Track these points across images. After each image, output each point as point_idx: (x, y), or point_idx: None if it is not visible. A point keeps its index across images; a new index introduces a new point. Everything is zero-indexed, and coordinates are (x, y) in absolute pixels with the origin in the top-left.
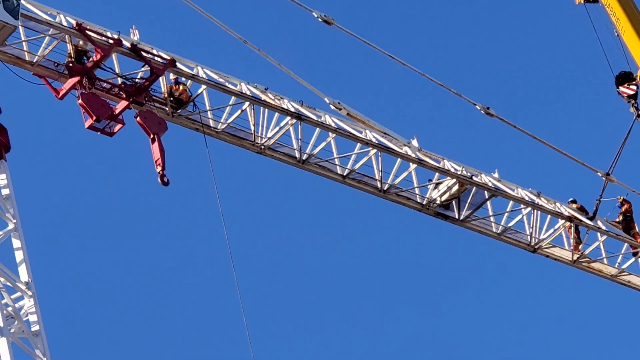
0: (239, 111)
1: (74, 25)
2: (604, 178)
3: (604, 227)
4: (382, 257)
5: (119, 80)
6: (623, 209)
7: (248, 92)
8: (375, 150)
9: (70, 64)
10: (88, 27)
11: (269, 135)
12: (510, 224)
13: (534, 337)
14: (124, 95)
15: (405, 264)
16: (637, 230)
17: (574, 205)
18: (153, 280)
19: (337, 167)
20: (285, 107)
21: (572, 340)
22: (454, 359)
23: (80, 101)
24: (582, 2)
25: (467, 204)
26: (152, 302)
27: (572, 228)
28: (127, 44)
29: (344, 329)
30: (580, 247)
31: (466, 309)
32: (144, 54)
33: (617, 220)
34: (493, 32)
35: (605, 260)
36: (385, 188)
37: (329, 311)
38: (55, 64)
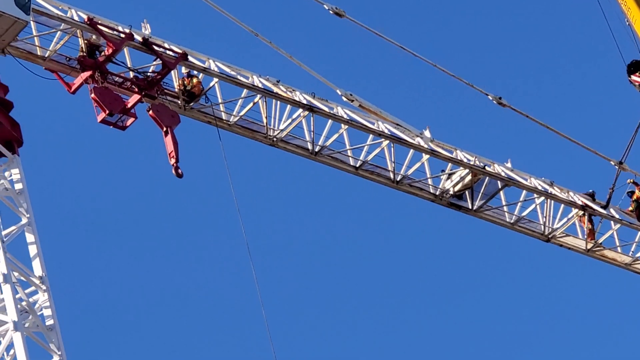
0: (251, 104)
1: (86, 20)
2: (616, 167)
3: (617, 216)
4: (396, 247)
5: (131, 74)
6: (635, 196)
7: (260, 85)
8: (387, 142)
9: (82, 59)
10: (99, 22)
11: (282, 127)
12: (524, 214)
13: (548, 326)
14: (136, 89)
15: (418, 255)
16: None
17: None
18: (167, 274)
19: (350, 158)
20: (297, 99)
21: (586, 329)
22: (467, 348)
23: (92, 95)
24: None
25: (480, 194)
26: (166, 297)
27: (586, 217)
28: (138, 38)
29: (358, 319)
30: (594, 236)
31: (480, 299)
32: (156, 47)
33: (630, 208)
34: (505, 22)
35: (619, 249)
36: (398, 179)
37: (343, 302)
38: (67, 59)
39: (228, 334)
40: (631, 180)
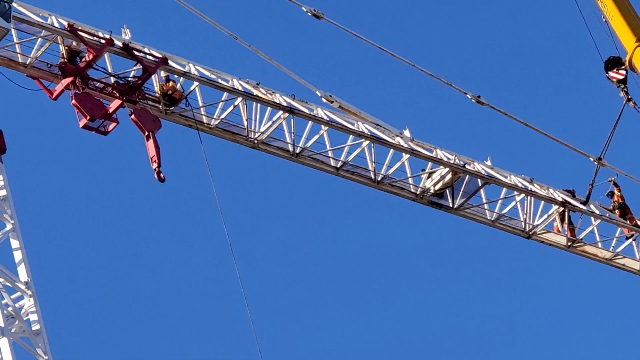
0: (232, 107)
1: (66, 27)
2: (596, 163)
3: (597, 212)
4: (377, 247)
5: (112, 80)
6: (615, 197)
7: (240, 88)
8: (367, 142)
9: (63, 65)
10: (80, 28)
11: (262, 129)
12: (504, 211)
13: (530, 322)
14: (117, 94)
15: (400, 254)
16: (632, 214)
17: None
18: (152, 277)
19: (331, 159)
20: (277, 101)
21: (567, 324)
22: (448, 345)
23: (74, 101)
24: None
25: (460, 193)
26: (151, 300)
27: (565, 217)
28: (118, 43)
29: (340, 318)
30: (574, 233)
31: (462, 296)
32: (136, 52)
33: (611, 208)
34: (481, 20)
35: (599, 244)
36: (378, 179)
37: (324, 302)
38: (49, 65)
39: (212, 334)
40: (611, 180)
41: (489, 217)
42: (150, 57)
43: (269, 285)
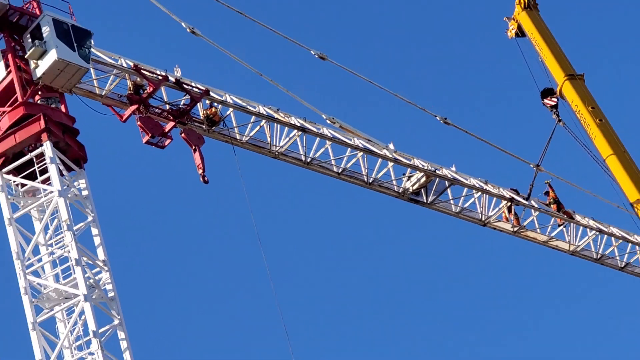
0: (258, 127)
1: (132, 66)
2: (535, 168)
3: (536, 205)
4: (368, 234)
5: (167, 107)
6: (550, 196)
7: (264, 112)
8: (361, 153)
9: (130, 95)
10: (142, 67)
11: (281, 144)
12: (466, 205)
13: (480, 295)
14: (171, 118)
15: (384, 239)
16: (564, 208)
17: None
18: (193, 259)
19: (333, 166)
20: (292, 122)
21: (511, 296)
22: (413, 319)
23: (138, 123)
24: (514, 37)
25: (432, 191)
26: (187, 279)
27: (512, 211)
28: (172, 79)
29: (333, 299)
30: (519, 221)
31: (429, 276)
32: (185, 86)
33: (547, 203)
34: (449, 60)
35: (538, 230)
36: (370, 181)
37: (326, 281)
38: (119, 96)
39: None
40: (547, 182)
41: (454, 210)
42: (196, 89)
43: (289, 273)
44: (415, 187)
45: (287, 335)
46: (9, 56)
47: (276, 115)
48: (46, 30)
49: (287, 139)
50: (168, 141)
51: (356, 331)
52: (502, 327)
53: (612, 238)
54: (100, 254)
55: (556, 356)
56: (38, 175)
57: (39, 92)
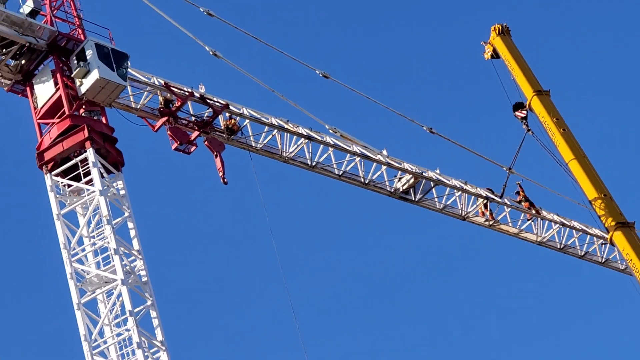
0: (271, 135)
1: (163, 84)
2: (507, 171)
3: (508, 203)
4: (363, 228)
5: (193, 118)
6: (520, 194)
7: (276, 123)
8: (359, 158)
9: (161, 109)
10: (172, 85)
11: (290, 150)
12: (448, 202)
13: (462, 280)
14: (196, 128)
15: (377, 232)
16: (534, 205)
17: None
18: (211, 253)
19: (335, 169)
20: (300, 132)
21: (487, 280)
22: (399, 304)
23: (168, 132)
24: (490, 58)
25: (419, 190)
26: (215, 271)
27: (487, 205)
28: (197, 94)
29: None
30: (493, 216)
31: (420, 263)
32: (208, 100)
33: (518, 200)
34: (435, 78)
35: (510, 224)
36: (366, 182)
37: (322, 275)
38: (151, 109)
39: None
40: (518, 183)
41: (438, 207)
42: (218, 104)
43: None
44: (405, 187)
45: (295, 316)
46: (58, 75)
47: (286, 126)
48: (89, 53)
49: (295, 146)
50: (193, 148)
51: (351, 309)
52: (477, 310)
53: (574, 231)
54: (135, 244)
55: (529, 334)
56: (82, 177)
57: (83, 106)
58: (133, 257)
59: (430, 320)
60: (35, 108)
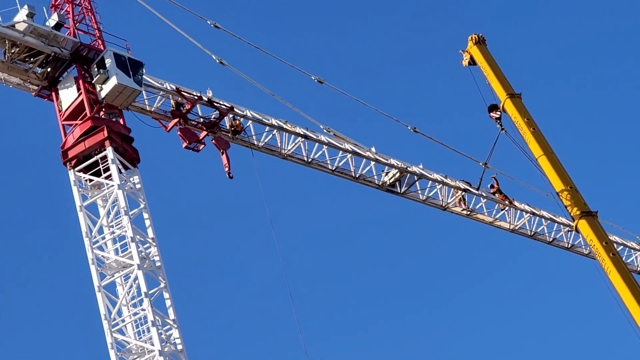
0: (271, 135)
1: (175, 89)
2: (483, 165)
3: (484, 194)
4: (354, 218)
5: (201, 119)
6: (495, 186)
7: (276, 124)
8: (350, 155)
9: (173, 111)
10: (182, 89)
11: (289, 147)
12: (431, 194)
13: (441, 263)
14: (204, 128)
15: (366, 221)
16: (507, 197)
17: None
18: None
19: (329, 165)
20: (297, 131)
21: (462, 262)
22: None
23: (179, 132)
24: (467, 65)
25: (404, 184)
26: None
27: (465, 199)
28: (205, 98)
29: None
30: (466, 205)
31: (405, 248)
32: (215, 103)
33: (493, 192)
34: (419, 83)
35: (485, 213)
36: (357, 176)
37: (325, 258)
38: (164, 112)
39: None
40: (493, 176)
41: (421, 198)
42: (224, 106)
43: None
44: (391, 181)
45: (291, 296)
46: (80, 81)
47: (285, 126)
48: (108, 62)
49: (293, 144)
50: (202, 146)
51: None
52: (455, 289)
53: (543, 219)
54: (150, 233)
55: (502, 311)
56: (102, 172)
57: (103, 109)
58: (148, 244)
59: (414, 297)
60: (60, 111)
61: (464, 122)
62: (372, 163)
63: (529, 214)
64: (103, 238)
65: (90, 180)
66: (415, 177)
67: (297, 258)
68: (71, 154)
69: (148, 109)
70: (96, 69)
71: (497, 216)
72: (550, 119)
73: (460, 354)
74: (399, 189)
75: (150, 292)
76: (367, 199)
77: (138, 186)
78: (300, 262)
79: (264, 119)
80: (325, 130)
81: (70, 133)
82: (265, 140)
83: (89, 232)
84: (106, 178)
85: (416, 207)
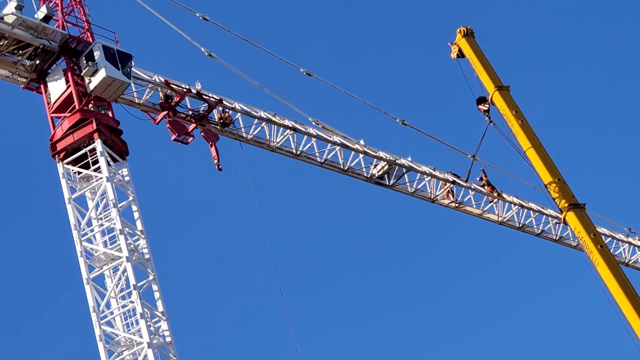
0: (260, 127)
1: (163, 81)
2: (471, 158)
3: (473, 186)
4: (343, 210)
5: (190, 112)
6: (483, 179)
7: (265, 117)
8: (339, 147)
9: (162, 104)
10: (171, 82)
11: (278, 140)
12: (419, 186)
13: (429, 255)
14: (193, 120)
15: (355, 213)
16: (496, 189)
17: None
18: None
19: (317, 157)
20: (286, 124)
21: (452, 255)
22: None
23: (168, 125)
24: (456, 57)
25: (393, 176)
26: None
27: (452, 192)
28: (194, 90)
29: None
30: (454, 197)
31: (393, 241)
32: (204, 96)
33: (482, 184)
34: (407, 75)
35: (474, 205)
36: (345, 169)
37: (313, 247)
38: (153, 104)
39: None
40: (482, 169)
41: (410, 190)
42: (213, 99)
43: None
44: (380, 173)
45: (281, 290)
46: (69, 74)
47: (273, 119)
48: (97, 54)
49: (282, 136)
50: (191, 139)
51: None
52: (444, 282)
53: (531, 211)
54: (139, 225)
55: (491, 302)
56: (91, 165)
57: (92, 102)
58: (137, 237)
59: (404, 290)
60: (48, 103)
61: (453, 115)
62: (361, 155)
63: (517, 206)
64: (92, 230)
65: (79, 173)
66: (404, 170)
67: (286, 250)
68: (60, 146)
69: (137, 101)
70: (85, 62)
71: (486, 208)
72: (538, 112)
73: (451, 347)
74: (387, 181)
75: (139, 284)
76: (355, 191)
77: (127, 178)
78: (290, 255)
79: (252, 112)
80: (313, 123)
81: (59, 125)
82: (254, 133)
83: (77, 225)
84: (95, 170)
85: (405, 200)
